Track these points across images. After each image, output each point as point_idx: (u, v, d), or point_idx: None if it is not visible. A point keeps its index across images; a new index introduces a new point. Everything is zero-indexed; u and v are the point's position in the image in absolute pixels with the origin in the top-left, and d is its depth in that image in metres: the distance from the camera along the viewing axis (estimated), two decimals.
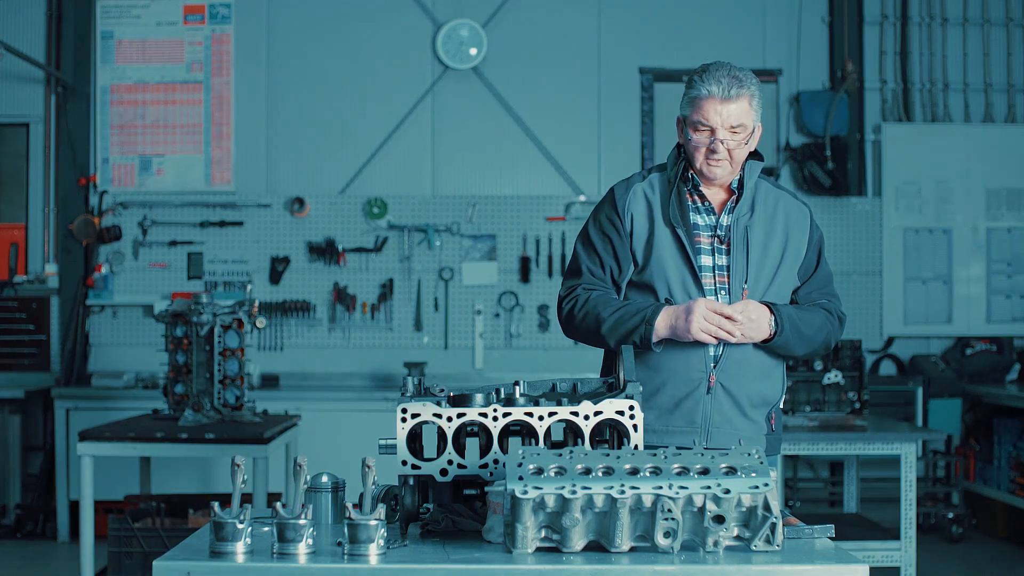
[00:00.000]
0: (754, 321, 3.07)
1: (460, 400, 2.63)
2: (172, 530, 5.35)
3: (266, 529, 2.57)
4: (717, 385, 3.13)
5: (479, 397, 2.64)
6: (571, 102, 8.21)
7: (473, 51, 8.08)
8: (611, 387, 2.79)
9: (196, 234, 8.01)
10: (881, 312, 8.19)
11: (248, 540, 2.42)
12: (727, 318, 3.04)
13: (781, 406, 3.33)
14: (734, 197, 3.21)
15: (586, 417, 2.62)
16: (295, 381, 7.88)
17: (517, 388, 2.72)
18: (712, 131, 3.11)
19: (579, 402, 2.64)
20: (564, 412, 2.62)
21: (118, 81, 8.05)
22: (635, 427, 2.60)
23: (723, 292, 3.16)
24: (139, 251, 7.98)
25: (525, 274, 8.02)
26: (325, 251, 8.00)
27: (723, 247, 3.18)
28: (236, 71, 8.09)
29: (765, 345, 3.14)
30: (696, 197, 3.22)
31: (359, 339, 8.02)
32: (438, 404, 2.62)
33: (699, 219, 3.21)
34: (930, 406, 7.72)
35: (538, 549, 2.40)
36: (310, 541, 2.41)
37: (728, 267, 3.17)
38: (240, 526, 2.41)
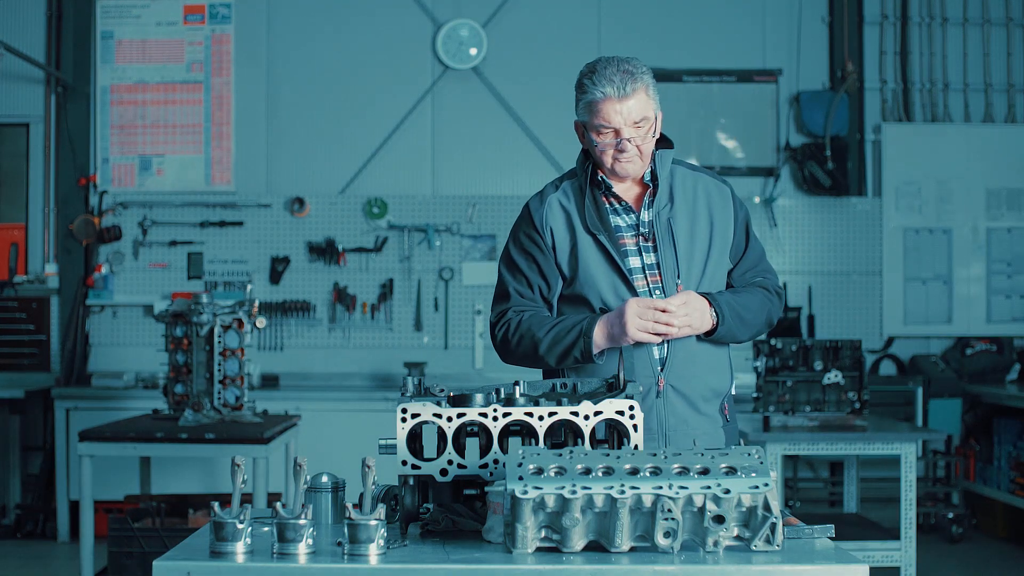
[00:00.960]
0: (693, 309, 3.00)
1: (460, 400, 2.63)
2: (172, 530, 5.35)
3: (266, 529, 2.57)
4: (667, 387, 3.08)
5: (479, 397, 2.64)
6: (571, 102, 8.15)
7: (473, 51, 8.08)
8: (611, 387, 2.78)
9: (196, 234, 8.01)
10: (881, 312, 8.19)
11: (248, 540, 2.42)
12: (662, 311, 2.97)
13: (732, 392, 3.26)
14: (650, 191, 3.15)
15: (586, 417, 2.62)
16: (295, 381, 7.88)
17: (517, 388, 2.72)
18: (616, 131, 3.05)
19: (579, 402, 2.63)
20: (564, 412, 2.62)
21: (118, 81, 8.05)
22: (635, 427, 2.60)
23: (657, 291, 3.09)
24: (139, 251, 7.99)
25: None
26: (325, 251, 8.00)
27: (649, 244, 3.12)
28: (236, 71, 8.09)
29: (709, 337, 3.08)
30: (611, 199, 3.16)
31: (359, 339, 8.02)
32: (438, 404, 2.62)
33: (619, 220, 3.15)
34: (930, 406, 7.72)
35: (538, 549, 2.39)
36: (310, 541, 2.41)
37: (658, 264, 3.11)
38: (240, 526, 2.41)
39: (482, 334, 8.02)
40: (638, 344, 3.04)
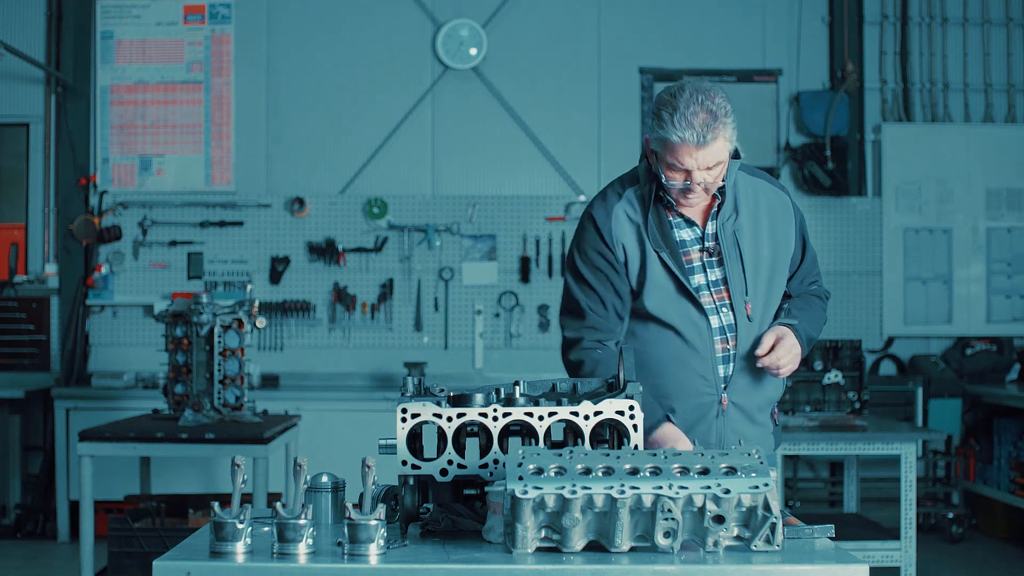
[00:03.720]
0: (795, 356, 3.04)
1: (460, 400, 2.63)
2: (172, 530, 5.35)
3: (266, 529, 2.57)
4: (729, 404, 3.08)
5: (479, 397, 2.64)
6: (571, 102, 8.21)
7: (473, 51, 8.08)
8: (611, 387, 2.78)
9: (196, 234, 8.01)
10: (881, 312, 8.18)
11: (248, 540, 2.42)
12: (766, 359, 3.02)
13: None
14: (716, 203, 3.08)
15: (586, 417, 2.62)
16: (295, 381, 7.88)
17: (517, 388, 2.72)
18: (688, 173, 2.95)
19: (579, 402, 2.63)
20: (564, 412, 2.62)
21: (118, 81, 8.05)
22: (635, 427, 2.60)
23: (724, 308, 3.05)
24: (139, 251, 7.98)
25: (525, 274, 8.02)
26: (325, 251, 8.00)
27: (713, 259, 3.07)
28: (236, 71, 8.09)
29: None
30: (675, 212, 3.09)
31: (359, 339, 8.02)
32: (438, 404, 2.62)
33: (684, 234, 3.09)
34: (930, 406, 7.72)
35: (538, 549, 2.39)
36: (310, 541, 2.41)
37: (724, 280, 3.06)
38: (240, 526, 2.41)
39: (482, 334, 8.02)
40: (697, 361, 3.05)
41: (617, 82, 8.20)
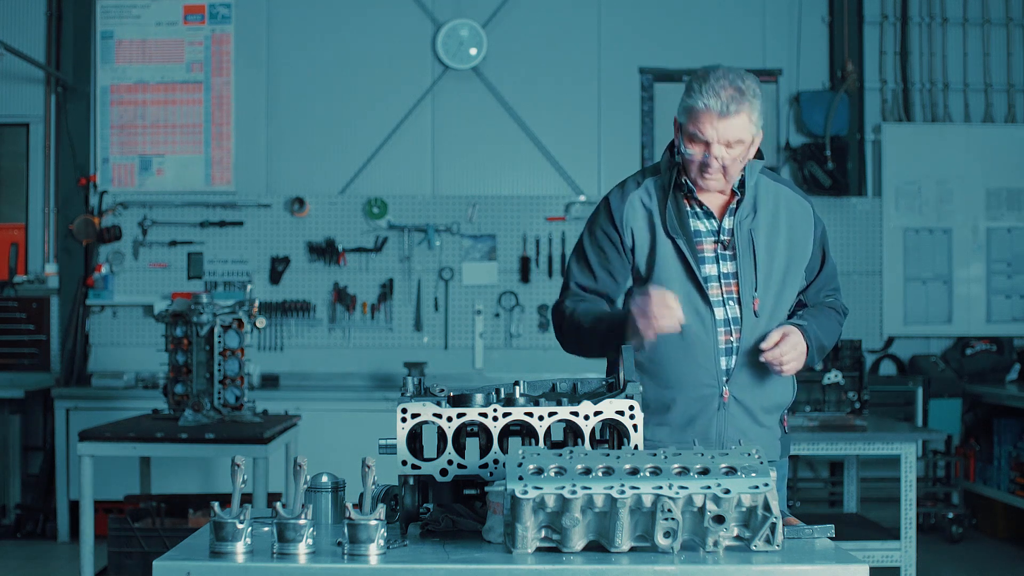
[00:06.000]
0: (800, 354, 3.03)
1: (460, 400, 2.63)
2: (172, 530, 5.35)
3: (266, 529, 2.57)
4: (731, 399, 3.07)
5: (479, 397, 2.64)
6: (571, 102, 8.21)
7: (473, 51, 8.08)
8: (611, 387, 2.78)
9: (196, 234, 8.01)
10: (881, 312, 8.18)
11: (248, 540, 2.42)
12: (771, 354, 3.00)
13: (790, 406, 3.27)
14: (736, 199, 3.10)
15: (586, 417, 2.62)
16: (295, 381, 7.88)
17: (517, 388, 2.72)
18: (707, 145, 2.99)
19: (579, 402, 2.63)
20: (564, 412, 2.62)
21: (118, 81, 8.05)
22: (635, 427, 2.60)
23: (731, 301, 3.06)
24: (139, 251, 7.98)
25: (525, 274, 8.02)
26: (325, 251, 8.00)
27: (727, 253, 3.08)
28: (236, 71, 8.09)
29: None
30: (694, 202, 3.11)
31: (359, 339, 8.02)
32: (438, 404, 2.62)
33: (700, 225, 3.10)
34: (930, 406, 7.72)
35: (538, 549, 2.39)
36: (310, 541, 2.41)
37: (735, 274, 3.07)
38: (240, 526, 2.41)
39: (482, 334, 8.02)
40: (703, 354, 3.04)
41: (617, 82, 8.20)
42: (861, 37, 8.30)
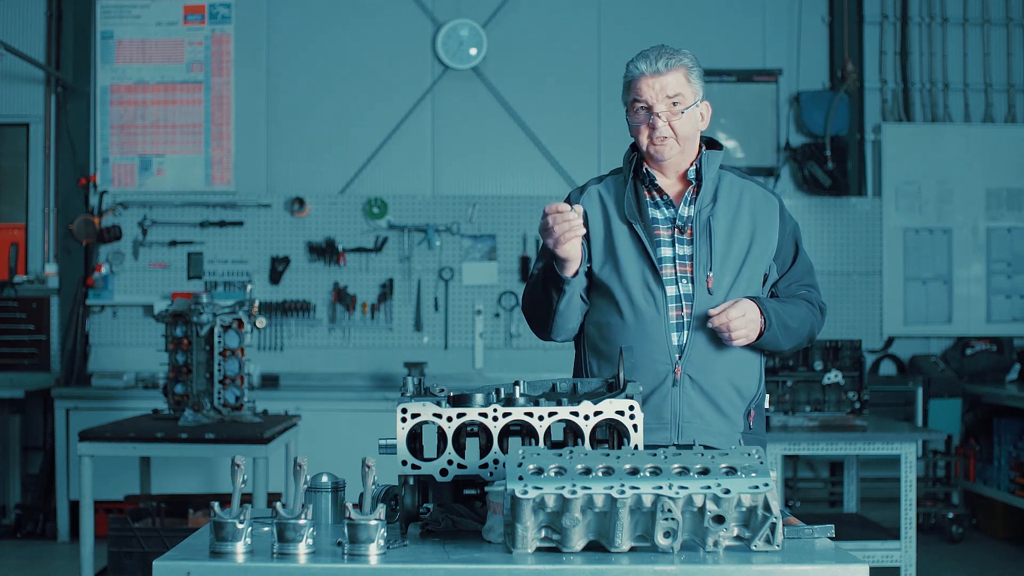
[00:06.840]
0: (749, 321, 3.01)
1: (460, 400, 2.63)
2: (172, 530, 5.35)
3: (266, 529, 2.57)
4: (684, 377, 3.06)
5: (479, 397, 2.64)
6: (571, 102, 8.21)
7: (473, 51, 8.08)
8: (611, 387, 2.78)
9: (196, 234, 8.01)
10: (881, 312, 8.19)
11: (248, 540, 2.42)
12: (718, 319, 3.01)
13: (766, 405, 3.23)
14: (692, 188, 3.15)
15: (586, 417, 2.62)
16: (295, 381, 7.88)
17: (517, 388, 2.72)
18: (649, 107, 3.08)
19: (579, 402, 2.63)
20: (564, 412, 2.62)
21: (118, 81, 8.05)
22: (635, 427, 2.60)
23: (685, 280, 3.08)
24: (139, 251, 7.99)
25: (525, 274, 8.02)
26: (325, 251, 8.00)
27: (684, 237, 3.11)
28: (236, 71, 8.09)
29: (753, 341, 3.07)
30: (654, 192, 3.16)
31: (359, 339, 8.02)
32: (438, 404, 2.62)
33: (658, 213, 3.15)
34: (930, 406, 7.72)
35: (538, 549, 2.39)
36: (310, 541, 2.41)
37: (691, 256, 3.09)
38: (240, 526, 2.41)
39: (482, 334, 8.02)
40: (655, 331, 3.05)
41: (617, 82, 8.05)
42: (861, 37, 8.30)
